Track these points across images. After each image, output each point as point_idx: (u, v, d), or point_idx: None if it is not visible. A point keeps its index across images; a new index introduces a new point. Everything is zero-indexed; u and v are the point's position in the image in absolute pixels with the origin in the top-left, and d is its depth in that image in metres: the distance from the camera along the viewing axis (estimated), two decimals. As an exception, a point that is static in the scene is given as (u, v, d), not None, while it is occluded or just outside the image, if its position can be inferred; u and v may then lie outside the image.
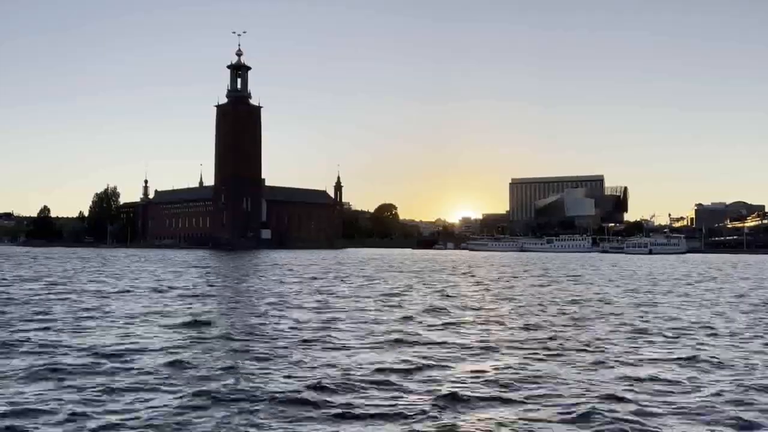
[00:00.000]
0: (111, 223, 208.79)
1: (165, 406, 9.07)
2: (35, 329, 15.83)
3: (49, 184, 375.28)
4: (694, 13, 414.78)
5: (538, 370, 11.57)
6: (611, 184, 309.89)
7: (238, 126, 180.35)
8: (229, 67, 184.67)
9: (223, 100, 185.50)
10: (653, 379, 11.01)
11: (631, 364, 12.30)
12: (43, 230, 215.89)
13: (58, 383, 10.24)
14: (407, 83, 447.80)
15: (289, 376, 10.92)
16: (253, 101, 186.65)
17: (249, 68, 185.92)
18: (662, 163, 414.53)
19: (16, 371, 11.03)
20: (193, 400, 9.35)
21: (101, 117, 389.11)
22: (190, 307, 21.55)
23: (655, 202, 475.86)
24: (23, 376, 10.74)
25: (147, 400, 9.34)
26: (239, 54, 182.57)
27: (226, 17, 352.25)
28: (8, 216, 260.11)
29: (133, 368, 11.41)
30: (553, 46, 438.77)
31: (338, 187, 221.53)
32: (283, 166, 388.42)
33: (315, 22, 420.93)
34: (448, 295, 27.46)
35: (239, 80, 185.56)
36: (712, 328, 17.66)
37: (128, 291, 28.03)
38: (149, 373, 11.06)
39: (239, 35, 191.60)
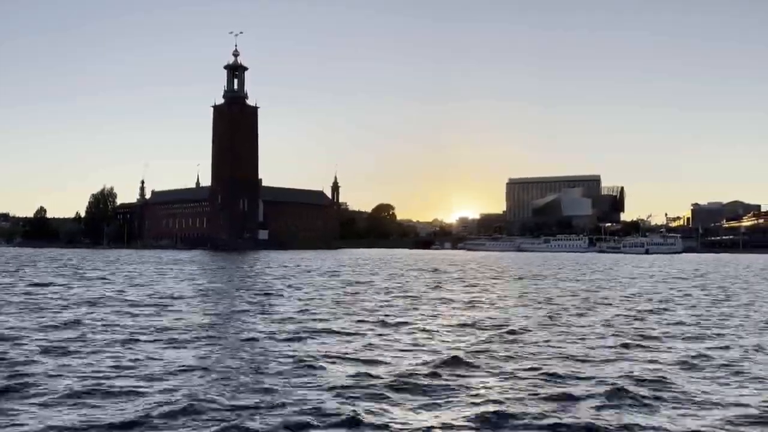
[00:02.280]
0: (107, 224, 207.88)
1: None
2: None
3: (47, 184, 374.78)
4: (694, 13, 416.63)
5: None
6: (608, 184, 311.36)
7: (235, 126, 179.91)
8: (225, 67, 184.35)
9: (220, 100, 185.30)
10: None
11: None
12: (39, 231, 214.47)
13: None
14: (407, 83, 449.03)
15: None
16: (251, 101, 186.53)
17: (246, 68, 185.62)
18: (659, 163, 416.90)
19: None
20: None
21: (101, 117, 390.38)
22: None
23: (652, 201, 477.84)
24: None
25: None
26: (236, 54, 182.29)
27: (226, 17, 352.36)
28: (4, 217, 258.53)
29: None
30: (553, 46, 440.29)
31: (335, 187, 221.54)
32: (280, 166, 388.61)
33: (315, 22, 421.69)
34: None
35: (236, 80, 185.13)
36: None
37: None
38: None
39: (236, 35, 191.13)
